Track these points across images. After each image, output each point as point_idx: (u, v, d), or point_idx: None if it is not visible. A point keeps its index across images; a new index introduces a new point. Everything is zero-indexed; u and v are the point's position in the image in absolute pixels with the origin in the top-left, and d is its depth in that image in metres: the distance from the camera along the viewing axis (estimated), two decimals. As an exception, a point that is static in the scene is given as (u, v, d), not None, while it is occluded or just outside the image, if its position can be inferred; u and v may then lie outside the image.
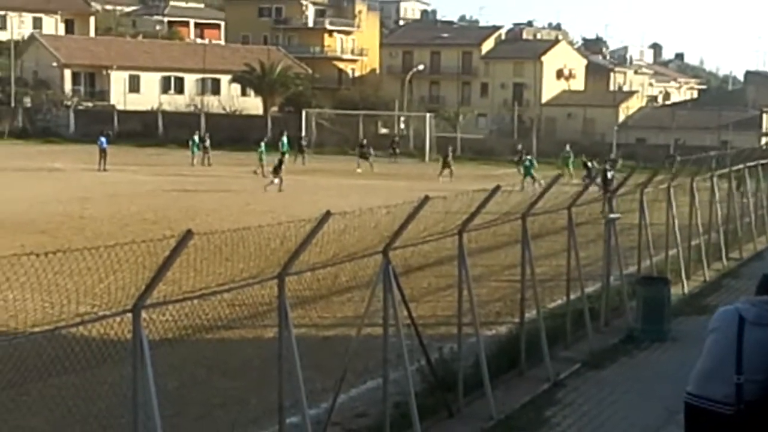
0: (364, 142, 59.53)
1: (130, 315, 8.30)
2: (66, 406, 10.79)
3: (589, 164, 45.55)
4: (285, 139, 58.28)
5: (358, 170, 54.53)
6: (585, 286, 16.97)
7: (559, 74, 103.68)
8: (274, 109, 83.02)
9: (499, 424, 12.35)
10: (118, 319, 8.55)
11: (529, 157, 50.67)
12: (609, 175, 38.47)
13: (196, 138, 57.95)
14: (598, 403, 13.52)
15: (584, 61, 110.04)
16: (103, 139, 52.36)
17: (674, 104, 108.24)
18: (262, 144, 52.25)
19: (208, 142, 57.51)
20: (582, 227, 19.20)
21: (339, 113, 76.87)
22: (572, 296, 16.67)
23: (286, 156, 49.27)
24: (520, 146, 59.00)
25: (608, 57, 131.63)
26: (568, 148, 56.35)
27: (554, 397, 13.62)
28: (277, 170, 43.83)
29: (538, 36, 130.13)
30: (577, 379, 14.52)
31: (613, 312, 18.28)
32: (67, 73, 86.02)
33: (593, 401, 13.56)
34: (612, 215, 18.21)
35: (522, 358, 14.43)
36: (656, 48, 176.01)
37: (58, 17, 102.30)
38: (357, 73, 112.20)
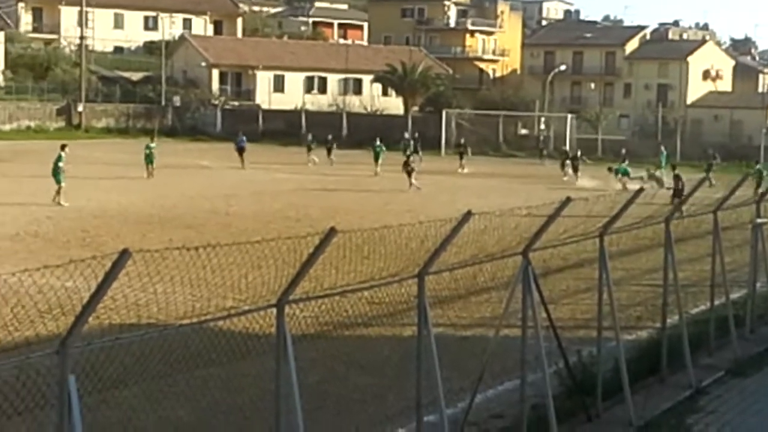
0: (462, 141, 59.02)
1: (273, 310, 8.51)
2: (211, 397, 11.13)
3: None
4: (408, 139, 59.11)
5: (459, 170, 54.03)
6: (730, 292, 16.59)
7: (706, 75, 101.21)
8: (415, 109, 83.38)
9: (639, 430, 12.17)
10: (261, 313, 8.77)
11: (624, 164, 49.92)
12: (681, 184, 36.24)
13: (310, 137, 58.12)
14: (741, 411, 13.20)
15: (732, 62, 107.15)
16: (244, 138, 53.36)
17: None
18: (377, 141, 52.12)
19: (334, 144, 57.49)
20: (727, 232, 18.74)
21: (479, 114, 76.73)
22: (716, 302, 16.31)
23: (410, 157, 49.11)
24: (565, 146, 58.46)
25: (757, 58, 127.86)
26: (662, 148, 55.56)
27: (696, 404, 13.36)
28: (408, 171, 44.05)
29: (685, 36, 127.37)
30: (721, 387, 14.20)
31: (758, 319, 17.82)
32: (215, 73, 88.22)
33: (737, 410, 13.24)
34: (759, 220, 17.73)
35: (663, 363, 14.18)
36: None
37: (207, 18, 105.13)
38: (498, 74, 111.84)
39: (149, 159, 44.86)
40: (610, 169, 48.42)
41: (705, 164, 51.81)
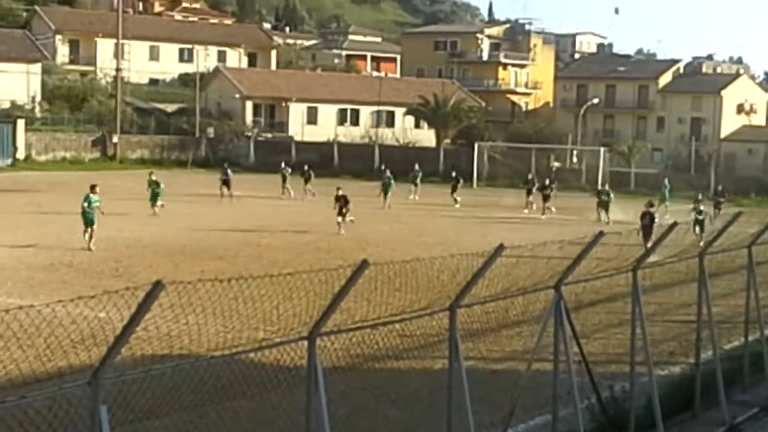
0: (454, 174, 57.77)
1: (304, 342, 8.52)
2: (242, 429, 11.12)
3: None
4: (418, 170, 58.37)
5: (456, 206, 51.97)
6: (764, 327, 16.41)
7: (740, 109, 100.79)
8: (447, 141, 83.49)
9: (672, 466, 12.05)
10: (292, 344, 8.78)
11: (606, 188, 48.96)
12: (656, 219, 33.96)
13: (283, 164, 56.52)
14: (776, 449, 13.04)
15: (766, 96, 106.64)
16: (228, 170, 52.33)
17: None
18: (387, 173, 51.43)
19: (311, 173, 55.38)
20: (762, 266, 18.58)
21: (511, 146, 76.68)
22: (750, 338, 16.15)
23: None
24: (530, 175, 56.89)
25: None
26: (666, 181, 53.74)
27: (730, 441, 13.22)
28: (341, 208, 38.23)
29: (719, 70, 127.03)
30: (755, 424, 14.03)
31: (794, 356, 17.58)
32: (249, 105, 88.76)
33: (771, 448, 13.08)
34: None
35: (696, 399, 14.04)
36: None
37: (242, 51, 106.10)
38: (530, 107, 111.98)
39: (156, 196, 41.60)
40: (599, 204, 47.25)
41: (713, 200, 49.52)
